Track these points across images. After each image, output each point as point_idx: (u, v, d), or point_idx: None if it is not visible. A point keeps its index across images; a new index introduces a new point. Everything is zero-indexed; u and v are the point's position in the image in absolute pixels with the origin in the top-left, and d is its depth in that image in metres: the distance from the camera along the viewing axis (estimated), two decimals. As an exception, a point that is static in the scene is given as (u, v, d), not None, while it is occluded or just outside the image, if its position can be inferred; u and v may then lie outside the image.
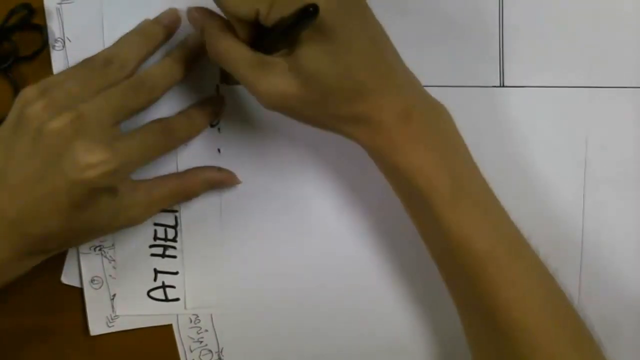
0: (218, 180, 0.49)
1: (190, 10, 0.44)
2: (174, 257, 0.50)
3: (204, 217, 0.50)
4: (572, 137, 0.48)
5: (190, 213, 0.50)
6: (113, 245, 0.50)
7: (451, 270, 0.43)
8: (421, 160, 0.40)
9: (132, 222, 0.46)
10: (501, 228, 0.41)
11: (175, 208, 0.50)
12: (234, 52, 0.40)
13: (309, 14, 0.35)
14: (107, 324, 0.50)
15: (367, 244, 0.50)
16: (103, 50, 0.45)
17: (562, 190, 0.49)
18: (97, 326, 0.50)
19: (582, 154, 0.49)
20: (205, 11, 0.43)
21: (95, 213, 0.42)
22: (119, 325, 0.50)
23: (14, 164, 0.41)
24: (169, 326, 0.51)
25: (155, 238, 0.50)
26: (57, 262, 0.49)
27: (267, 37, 0.40)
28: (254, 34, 0.40)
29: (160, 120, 0.45)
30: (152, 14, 0.47)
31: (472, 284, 0.41)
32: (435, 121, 0.41)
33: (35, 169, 0.40)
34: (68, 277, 0.50)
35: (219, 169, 0.49)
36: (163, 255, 0.50)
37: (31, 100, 0.41)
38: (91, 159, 0.39)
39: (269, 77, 0.39)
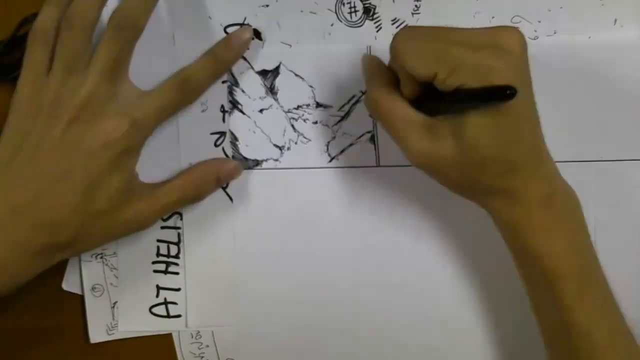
0: (218, 168, 0.48)
1: (363, 57, 0.44)
2: (177, 273, 0.50)
3: (206, 234, 0.49)
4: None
5: (193, 229, 0.49)
6: (115, 253, 0.50)
7: (566, 357, 0.42)
8: (554, 246, 0.40)
9: (140, 221, 0.46)
10: (620, 323, 0.42)
11: (177, 225, 0.49)
12: (396, 110, 0.40)
13: (504, 96, 0.35)
14: (107, 332, 0.51)
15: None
16: (64, 16, 0.43)
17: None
18: (97, 334, 0.51)
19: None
20: (374, 60, 0.43)
21: (107, 197, 0.43)
22: (119, 333, 0.51)
23: (23, 158, 0.42)
24: (170, 335, 0.51)
25: (158, 254, 0.49)
26: (58, 268, 0.49)
27: (434, 99, 0.39)
28: (419, 91, 0.40)
29: (176, 74, 0.45)
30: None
31: None
32: (571, 209, 0.42)
33: (49, 155, 0.42)
34: (69, 284, 0.50)
35: (220, 159, 0.48)
36: (165, 272, 0.50)
37: (27, 101, 0.43)
38: (107, 126, 0.42)
39: (428, 140, 0.39)
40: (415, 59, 0.38)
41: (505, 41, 0.37)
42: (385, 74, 0.41)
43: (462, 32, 0.38)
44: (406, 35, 0.39)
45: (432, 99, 0.39)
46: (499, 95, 0.35)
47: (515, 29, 0.37)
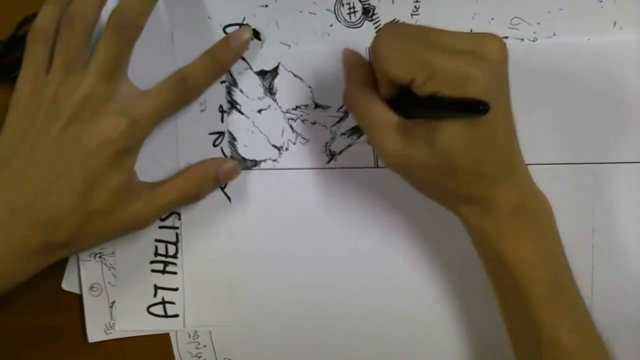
0: (217, 168, 0.47)
1: (345, 50, 0.44)
2: (175, 273, 0.50)
3: (204, 234, 0.49)
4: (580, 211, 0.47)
5: (191, 229, 0.49)
6: (113, 252, 0.50)
7: None
8: (524, 253, 0.40)
9: (138, 221, 0.46)
10: (589, 328, 0.42)
11: (176, 224, 0.49)
12: (372, 109, 0.40)
13: (477, 110, 0.34)
14: (105, 331, 0.51)
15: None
16: (63, 14, 0.43)
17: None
18: (95, 333, 0.51)
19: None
20: (354, 56, 0.43)
21: (105, 196, 0.43)
22: (117, 333, 0.51)
23: (22, 157, 0.42)
24: (167, 335, 0.51)
25: (156, 254, 0.49)
26: (58, 268, 0.49)
27: (411, 102, 0.38)
28: (397, 92, 0.40)
29: (175, 73, 0.45)
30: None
31: None
32: (543, 217, 0.42)
33: (48, 154, 0.42)
34: (68, 284, 0.50)
35: (218, 159, 0.48)
36: (163, 272, 0.50)
37: (26, 100, 0.43)
38: (106, 125, 0.42)
39: (402, 142, 0.39)
40: (394, 62, 0.37)
41: (487, 49, 0.36)
42: (364, 71, 0.41)
43: (444, 34, 0.37)
44: (386, 36, 0.38)
45: (408, 101, 0.39)
46: (472, 108, 0.35)
47: (498, 38, 0.37)
